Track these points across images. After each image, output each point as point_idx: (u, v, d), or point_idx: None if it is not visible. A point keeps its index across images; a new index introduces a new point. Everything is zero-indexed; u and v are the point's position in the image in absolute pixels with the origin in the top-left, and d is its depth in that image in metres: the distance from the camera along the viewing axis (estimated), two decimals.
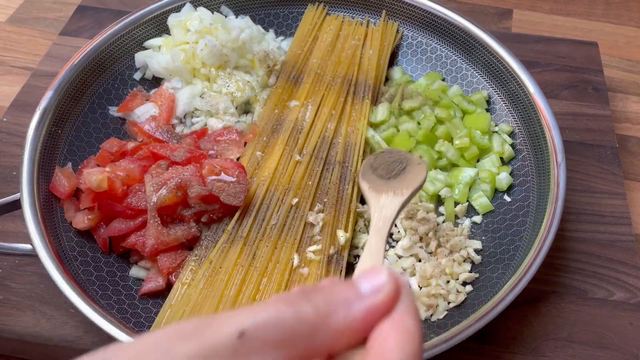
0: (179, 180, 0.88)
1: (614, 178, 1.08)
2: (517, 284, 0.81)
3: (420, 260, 0.92)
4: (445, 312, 0.86)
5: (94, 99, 1.04)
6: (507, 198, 0.99)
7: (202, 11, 1.12)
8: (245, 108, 1.11)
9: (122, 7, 1.36)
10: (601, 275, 0.96)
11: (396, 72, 1.17)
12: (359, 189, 0.97)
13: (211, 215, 0.90)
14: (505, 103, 1.08)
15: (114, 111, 1.06)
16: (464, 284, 0.90)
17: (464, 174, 1.00)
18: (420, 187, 0.78)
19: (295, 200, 0.93)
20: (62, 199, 0.91)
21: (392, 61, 1.19)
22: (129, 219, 0.88)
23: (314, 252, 0.87)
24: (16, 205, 0.87)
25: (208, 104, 1.07)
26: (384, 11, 1.19)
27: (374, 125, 1.07)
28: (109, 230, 0.88)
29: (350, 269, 0.92)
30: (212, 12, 1.13)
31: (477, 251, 0.93)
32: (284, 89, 1.09)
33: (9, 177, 1.04)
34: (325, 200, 0.94)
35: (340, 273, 0.87)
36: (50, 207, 0.89)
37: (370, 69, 1.12)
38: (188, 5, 1.13)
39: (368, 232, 0.95)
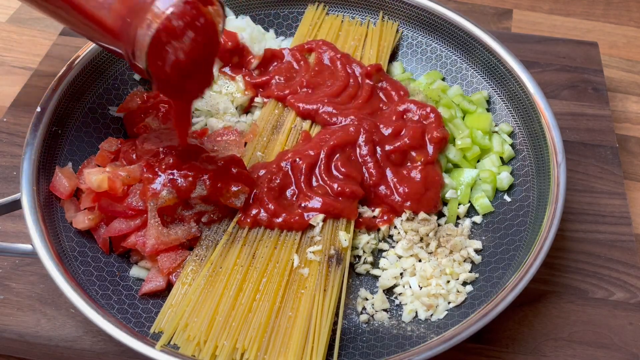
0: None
1: (614, 178, 1.08)
2: (517, 284, 0.81)
3: (420, 260, 0.92)
4: (446, 312, 0.86)
5: (94, 99, 1.04)
6: (507, 198, 0.99)
7: None
8: (245, 108, 1.11)
9: None
10: (601, 275, 0.96)
11: (396, 68, 1.17)
12: None
13: (211, 215, 0.90)
14: (505, 103, 1.08)
15: (114, 111, 1.06)
16: (464, 284, 0.90)
17: (465, 174, 1.00)
18: None
19: None
20: (62, 199, 0.91)
21: (392, 60, 1.19)
22: (129, 219, 0.88)
23: (314, 252, 0.87)
24: (16, 205, 0.87)
25: (208, 104, 1.07)
26: (380, 12, 1.19)
27: None
28: (109, 230, 0.88)
29: (350, 269, 0.92)
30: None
31: (477, 251, 0.93)
32: None
33: (9, 177, 1.04)
34: None
35: (342, 273, 0.87)
36: (50, 207, 0.89)
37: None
38: None
39: (368, 232, 0.95)
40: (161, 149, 0.89)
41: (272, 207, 0.89)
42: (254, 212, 0.89)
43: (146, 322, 0.83)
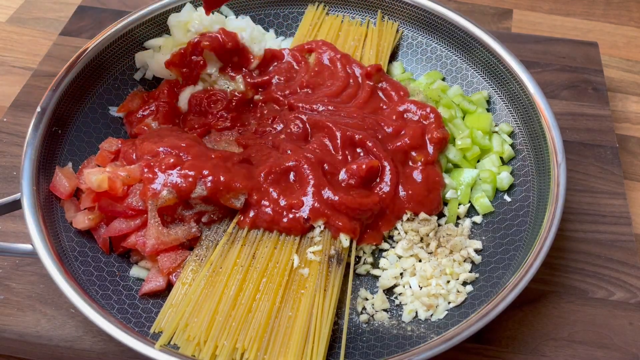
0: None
1: (614, 178, 1.08)
2: (518, 284, 0.81)
3: (420, 261, 0.92)
4: (446, 312, 0.86)
5: (94, 99, 1.04)
6: (507, 198, 0.99)
7: (203, 11, 1.12)
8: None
9: (122, 7, 1.36)
10: (601, 275, 0.96)
11: (396, 68, 1.17)
12: None
13: (212, 215, 0.90)
14: (505, 103, 1.08)
15: (114, 111, 1.06)
16: (464, 284, 0.90)
17: (465, 175, 1.00)
18: None
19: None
20: (62, 199, 0.91)
21: (392, 60, 1.19)
22: (129, 219, 0.88)
23: (314, 252, 0.87)
24: (16, 205, 0.87)
25: None
26: (379, 11, 1.19)
27: None
28: (109, 230, 0.88)
29: (350, 269, 0.92)
30: (213, 12, 1.13)
31: (477, 251, 0.93)
32: None
33: (9, 177, 1.04)
34: None
35: (342, 273, 0.87)
36: (50, 207, 0.89)
37: None
38: (188, 6, 1.13)
39: None
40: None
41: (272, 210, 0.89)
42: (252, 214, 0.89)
43: (146, 322, 0.83)
